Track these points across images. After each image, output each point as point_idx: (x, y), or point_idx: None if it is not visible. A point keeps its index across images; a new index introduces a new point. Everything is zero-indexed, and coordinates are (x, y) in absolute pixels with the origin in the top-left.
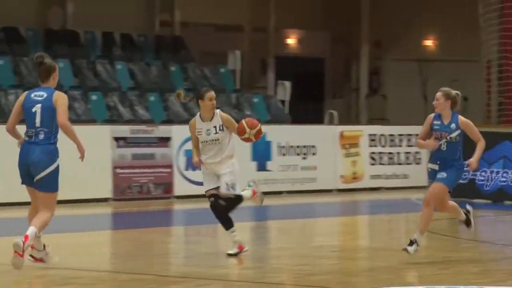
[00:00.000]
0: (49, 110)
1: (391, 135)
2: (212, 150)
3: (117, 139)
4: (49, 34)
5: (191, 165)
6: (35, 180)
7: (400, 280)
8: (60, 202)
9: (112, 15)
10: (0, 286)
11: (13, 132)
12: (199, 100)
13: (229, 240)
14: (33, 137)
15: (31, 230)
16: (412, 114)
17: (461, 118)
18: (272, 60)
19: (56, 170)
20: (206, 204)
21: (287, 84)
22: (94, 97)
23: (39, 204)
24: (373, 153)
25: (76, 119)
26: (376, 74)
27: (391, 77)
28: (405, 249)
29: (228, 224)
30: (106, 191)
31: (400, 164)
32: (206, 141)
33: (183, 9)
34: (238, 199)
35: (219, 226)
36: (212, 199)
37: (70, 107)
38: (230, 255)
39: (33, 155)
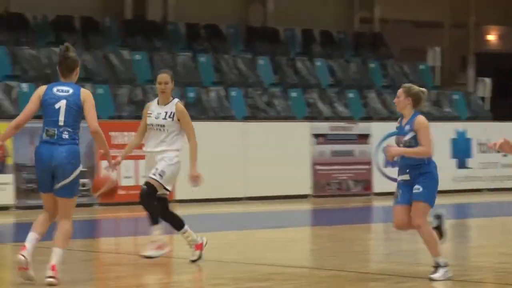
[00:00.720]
0: (76, 108)
1: None
2: (155, 137)
3: (316, 136)
4: (250, 31)
5: (390, 162)
6: (58, 185)
7: None
8: (261, 198)
9: (311, 12)
10: (196, 277)
11: (19, 128)
12: None
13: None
14: (56, 137)
15: (57, 255)
16: None
17: (418, 118)
18: (472, 57)
19: (79, 174)
20: None
21: (488, 80)
22: (293, 94)
23: (58, 212)
24: None
25: (276, 116)
26: None
27: None
28: (431, 278)
29: (154, 219)
30: (306, 187)
31: None
32: (152, 125)
33: (382, 6)
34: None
35: None
36: (145, 187)
37: (271, 104)
38: (146, 256)
39: (58, 157)
